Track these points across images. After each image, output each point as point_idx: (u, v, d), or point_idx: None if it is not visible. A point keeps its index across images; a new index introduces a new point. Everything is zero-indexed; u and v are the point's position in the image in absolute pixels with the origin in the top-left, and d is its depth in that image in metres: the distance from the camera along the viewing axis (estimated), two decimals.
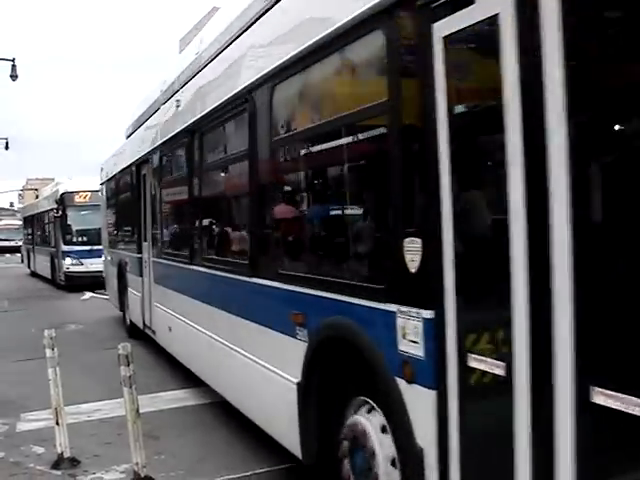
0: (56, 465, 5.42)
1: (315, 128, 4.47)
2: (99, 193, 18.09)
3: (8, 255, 55.00)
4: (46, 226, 26.26)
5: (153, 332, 9.58)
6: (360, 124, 3.93)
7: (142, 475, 4.75)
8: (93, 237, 20.18)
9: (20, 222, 69.43)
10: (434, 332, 2.98)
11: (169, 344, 8.72)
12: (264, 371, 4.95)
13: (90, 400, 7.30)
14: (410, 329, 3.12)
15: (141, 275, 10.30)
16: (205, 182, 7.14)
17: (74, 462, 5.46)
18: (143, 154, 10.23)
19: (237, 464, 5.42)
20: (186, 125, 7.40)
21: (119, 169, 12.74)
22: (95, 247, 19.33)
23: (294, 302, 4.45)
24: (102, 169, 15.26)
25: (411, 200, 3.25)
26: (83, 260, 20.75)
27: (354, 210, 4.38)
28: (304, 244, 4.99)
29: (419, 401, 3.11)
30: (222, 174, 6.99)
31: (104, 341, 10.94)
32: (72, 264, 21.10)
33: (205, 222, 7.15)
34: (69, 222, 21.69)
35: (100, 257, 17.11)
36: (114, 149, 14.21)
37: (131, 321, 11.49)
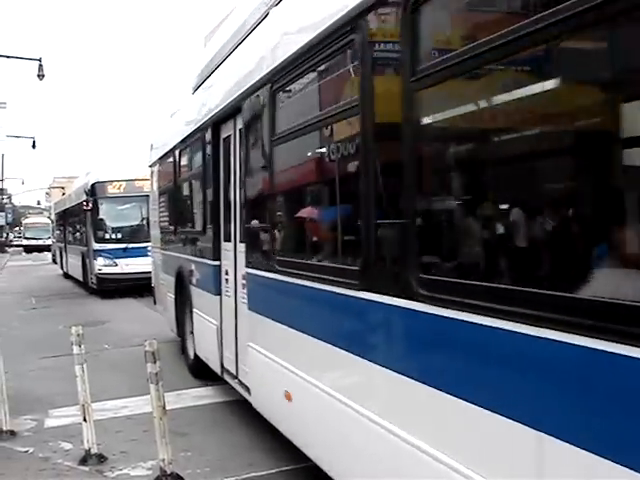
0: (83, 461, 5.48)
1: None
2: (136, 183, 17.78)
3: (36, 253, 54.31)
4: (77, 222, 23.34)
5: (245, 388, 6.06)
6: None
7: (168, 472, 4.80)
8: (129, 234, 18.68)
9: (48, 220, 69.63)
10: None
11: (282, 417, 5.19)
12: None
13: (116, 397, 7.36)
14: None
15: (219, 293, 7.00)
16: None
17: (101, 458, 5.51)
18: (230, 101, 6.38)
19: (262, 461, 5.45)
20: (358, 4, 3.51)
21: (181, 138, 8.85)
22: (132, 245, 17.94)
23: None
24: (152, 146, 11.48)
25: None
26: (118, 260, 18.20)
27: None
28: None
29: None
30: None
31: (130, 338, 11.04)
32: (105, 265, 18.38)
33: (426, 203, 3.31)
34: (101, 216, 18.83)
35: (139, 257, 16.42)
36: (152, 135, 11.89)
37: (197, 356, 8.13)
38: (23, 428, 6.45)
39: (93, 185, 19.00)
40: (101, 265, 18.41)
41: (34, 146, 46.52)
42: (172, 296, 9.39)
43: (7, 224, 62.16)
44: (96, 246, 18.66)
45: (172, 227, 9.77)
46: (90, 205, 18.75)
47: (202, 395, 7.53)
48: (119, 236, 18.63)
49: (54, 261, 33.88)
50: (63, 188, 77.74)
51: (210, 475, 5.24)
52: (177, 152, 9.33)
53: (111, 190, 18.75)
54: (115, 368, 8.92)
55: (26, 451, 5.86)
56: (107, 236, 18.71)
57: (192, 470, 5.26)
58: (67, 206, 26.53)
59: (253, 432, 6.19)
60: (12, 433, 6.23)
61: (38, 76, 31.37)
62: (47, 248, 58.22)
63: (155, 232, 11.51)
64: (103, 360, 9.09)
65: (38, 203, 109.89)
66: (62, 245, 28.18)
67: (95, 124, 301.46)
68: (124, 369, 8.78)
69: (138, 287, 16.50)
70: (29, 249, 59.03)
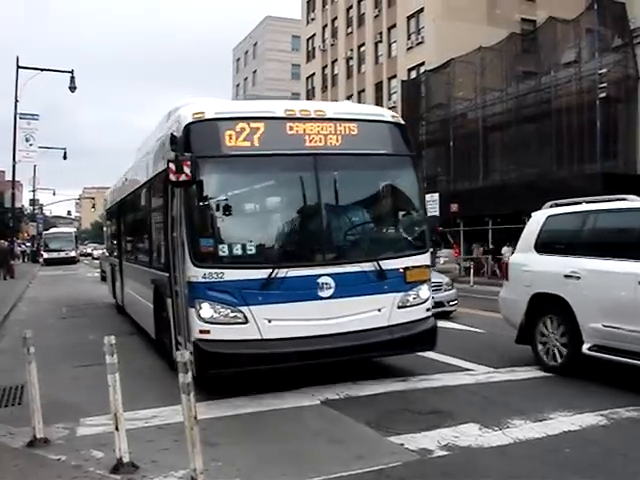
0: (115, 470, 5.50)
1: None
2: (298, 127, 8.13)
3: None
4: (144, 219, 11.63)
5: None
6: None
7: None
8: (291, 244, 8.36)
9: (72, 229, 69.08)
10: None
11: None
12: None
13: (147, 407, 7.40)
14: None
15: None
16: None
17: (133, 467, 5.53)
18: None
19: (292, 472, 5.45)
20: None
21: None
22: (296, 272, 7.83)
23: None
24: None
25: None
26: (249, 310, 7.73)
27: None
28: None
29: None
30: None
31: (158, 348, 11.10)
32: (216, 319, 7.72)
33: None
34: (210, 201, 7.82)
35: (311, 298, 7.82)
36: None
37: None
38: (56, 436, 6.49)
39: (188, 128, 7.98)
40: (208, 320, 7.71)
41: (65, 157, 47.19)
42: None
43: (38, 234, 62.67)
44: (195, 273, 7.75)
45: None
46: (181, 174, 7.52)
47: (233, 405, 7.53)
48: (251, 251, 7.95)
49: (104, 279, 24.52)
50: (93, 199, 78.65)
51: None
52: None
53: (233, 141, 7.91)
54: (146, 377, 8.98)
55: (59, 459, 5.89)
56: (224, 250, 7.84)
57: None
58: (125, 194, 14.58)
59: (284, 443, 6.20)
60: (45, 441, 6.28)
61: (70, 88, 31.93)
62: (71, 260, 55.17)
63: None
64: (134, 370, 9.13)
65: (68, 213, 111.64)
66: (116, 261, 16.70)
67: (124, 135, 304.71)
68: (155, 378, 8.86)
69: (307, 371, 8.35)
70: (50, 262, 52.67)
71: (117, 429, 5.51)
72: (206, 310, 7.67)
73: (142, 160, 12.00)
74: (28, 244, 65.11)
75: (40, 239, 61.11)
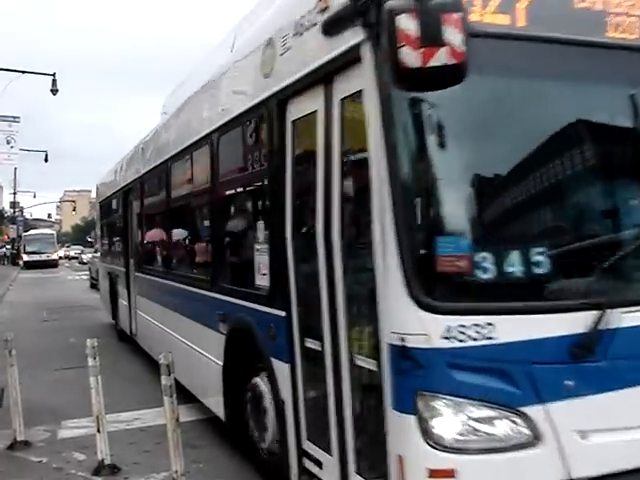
0: (97, 472, 5.52)
1: None
2: None
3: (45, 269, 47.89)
4: (192, 205, 7.54)
5: None
6: None
7: None
8: None
9: (52, 231, 67.14)
10: None
11: None
12: None
13: (129, 409, 7.41)
14: None
15: None
16: None
17: (114, 469, 5.56)
18: None
19: None
20: None
21: None
22: None
23: None
24: None
25: None
26: (563, 409, 3.16)
27: None
28: None
29: None
30: None
31: (139, 351, 11.09)
32: (475, 443, 3.10)
33: None
34: (464, 134, 3.28)
35: None
36: None
37: None
38: (37, 439, 6.51)
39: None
40: (452, 446, 3.10)
41: (46, 160, 46.83)
42: None
43: (18, 236, 61.89)
44: (423, 324, 3.09)
45: None
46: (436, 49, 2.71)
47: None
48: (544, 269, 3.26)
49: (93, 286, 21.81)
50: (74, 202, 77.99)
51: None
52: None
53: (478, 11, 3.15)
54: (128, 380, 8.98)
55: (40, 461, 5.92)
56: (488, 267, 3.17)
57: None
58: (145, 170, 9.86)
59: None
60: (26, 444, 6.30)
61: (52, 91, 31.69)
62: (52, 264, 52.19)
63: None
64: (116, 372, 9.13)
65: (49, 216, 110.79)
66: (119, 269, 12.34)
67: (105, 139, 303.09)
68: (137, 381, 8.87)
69: None
70: (30, 265, 50.33)
71: (99, 431, 5.53)
72: (449, 420, 3.17)
73: (192, 103, 7.25)
74: (8, 247, 64.31)
75: (20, 241, 59.80)
